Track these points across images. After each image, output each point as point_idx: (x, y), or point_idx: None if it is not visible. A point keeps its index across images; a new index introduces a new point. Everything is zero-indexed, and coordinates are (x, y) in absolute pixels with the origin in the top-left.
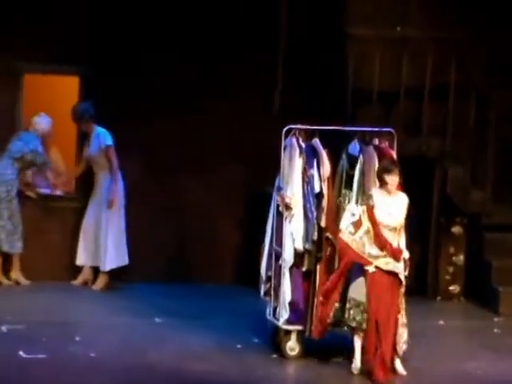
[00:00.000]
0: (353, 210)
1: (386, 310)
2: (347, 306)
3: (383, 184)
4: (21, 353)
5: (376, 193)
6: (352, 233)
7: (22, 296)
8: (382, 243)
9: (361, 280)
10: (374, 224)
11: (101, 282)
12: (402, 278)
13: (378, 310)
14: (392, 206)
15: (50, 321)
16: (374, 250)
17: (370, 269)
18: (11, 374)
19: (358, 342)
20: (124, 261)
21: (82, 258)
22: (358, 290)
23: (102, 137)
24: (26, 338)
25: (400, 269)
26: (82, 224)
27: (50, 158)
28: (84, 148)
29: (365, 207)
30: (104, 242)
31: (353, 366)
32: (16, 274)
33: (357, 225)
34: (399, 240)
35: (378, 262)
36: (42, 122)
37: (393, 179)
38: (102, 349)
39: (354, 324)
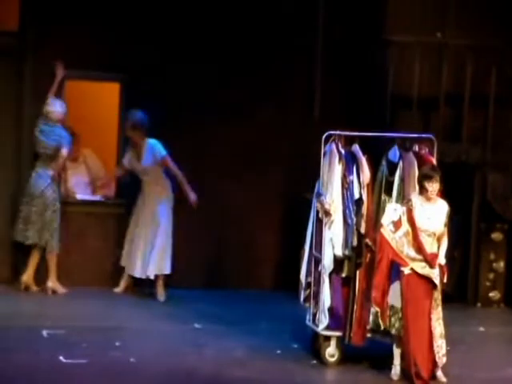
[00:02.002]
0: (394, 207)
1: (420, 316)
2: (387, 312)
3: (423, 191)
4: (61, 358)
5: (415, 198)
6: (392, 231)
7: (62, 301)
8: (418, 247)
9: (399, 286)
10: (413, 226)
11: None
12: (437, 282)
13: (413, 315)
14: (431, 211)
15: (90, 326)
16: (412, 252)
17: (406, 270)
18: (51, 379)
19: (397, 349)
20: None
21: (141, 270)
22: (396, 296)
23: (156, 149)
24: (67, 343)
25: (435, 274)
26: (131, 235)
27: (81, 156)
28: (127, 156)
29: (405, 208)
30: (161, 246)
31: (392, 372)
32: (53, 281)
33: (397, 225)
34: (439, 246)
35: (415, 264)
36: (55, 108)
37: (433, 186)
38: (142, 354)
39: (393, 331)
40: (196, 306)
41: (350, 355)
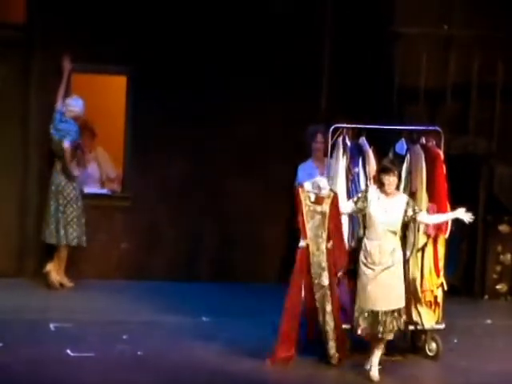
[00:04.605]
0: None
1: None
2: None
3: (381, 185)
4: (68, 351)
5: (373, 190)
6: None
7: (69, 295)
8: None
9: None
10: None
11: None
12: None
13: None
14: (389, 205)
15: (97, 319)
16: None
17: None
18: (58, 372)
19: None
20: None
21: None
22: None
23: None
24: (74, 336)
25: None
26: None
27: (92, 154)
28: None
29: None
30: None
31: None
32: (61, 275)
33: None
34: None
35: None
36: (76, 105)
37: (390, 180)
38: (149, 347)
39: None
40: (203, 298)
41: (357, 347)
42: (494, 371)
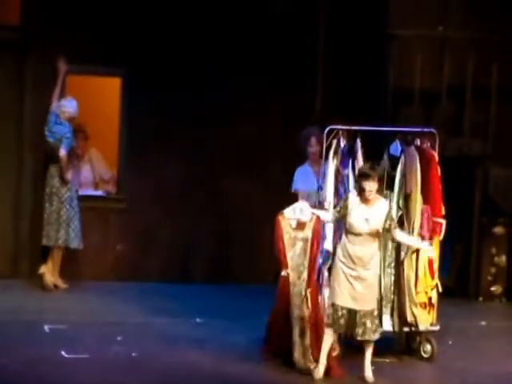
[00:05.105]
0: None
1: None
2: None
3: (361, 191)
4: (63, 353)
5: (353, 197)
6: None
7: (64, 296)
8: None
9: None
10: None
11: None
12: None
13: None
14: (369, 213)
15: (92, 321)
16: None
17: (283, 272)
18: (53, 374)
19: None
20: None
21: None
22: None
23: None
24: (68, 338)
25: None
26: None
27: (87, 156)
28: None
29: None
30: None
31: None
32: (55, 277)
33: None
34: (375, 249)
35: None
36: (70, 106)
37: (370, 185)
38: (144, 349)
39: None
40: (197, 300)
41: (351, 350)
42: (488, 372)
